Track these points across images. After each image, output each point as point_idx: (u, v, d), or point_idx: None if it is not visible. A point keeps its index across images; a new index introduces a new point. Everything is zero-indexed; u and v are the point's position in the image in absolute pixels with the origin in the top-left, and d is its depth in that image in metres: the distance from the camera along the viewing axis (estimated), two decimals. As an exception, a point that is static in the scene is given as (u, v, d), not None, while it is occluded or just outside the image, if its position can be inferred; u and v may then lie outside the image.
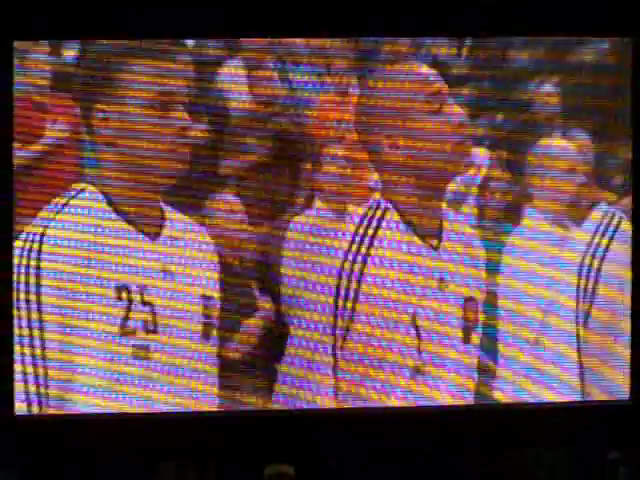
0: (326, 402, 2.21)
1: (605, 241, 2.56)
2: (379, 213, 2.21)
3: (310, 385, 2.20)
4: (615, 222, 2.55)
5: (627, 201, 2.60)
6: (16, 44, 2.61)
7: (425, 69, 2.22)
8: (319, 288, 2.21)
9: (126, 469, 2.71)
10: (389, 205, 2.21)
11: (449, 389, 2.27)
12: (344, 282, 2.17)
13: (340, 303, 2.17)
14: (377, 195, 2.25)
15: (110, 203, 2.17)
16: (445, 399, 2.26)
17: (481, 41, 2.83)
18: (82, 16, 2.62)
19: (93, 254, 2.13)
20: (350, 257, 2.17)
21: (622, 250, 2.56)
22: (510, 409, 2.67)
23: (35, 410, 2.27)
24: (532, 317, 2.56)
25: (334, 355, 2.18)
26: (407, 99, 2.16)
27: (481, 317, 2.33)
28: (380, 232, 2.20)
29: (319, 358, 2.18)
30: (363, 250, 2.18)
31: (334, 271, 2.18)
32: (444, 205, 2.27)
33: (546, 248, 2.64)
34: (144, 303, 2.16)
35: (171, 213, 2.21)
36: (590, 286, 2.57)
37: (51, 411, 2.24)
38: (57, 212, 2.18)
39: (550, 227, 2.72)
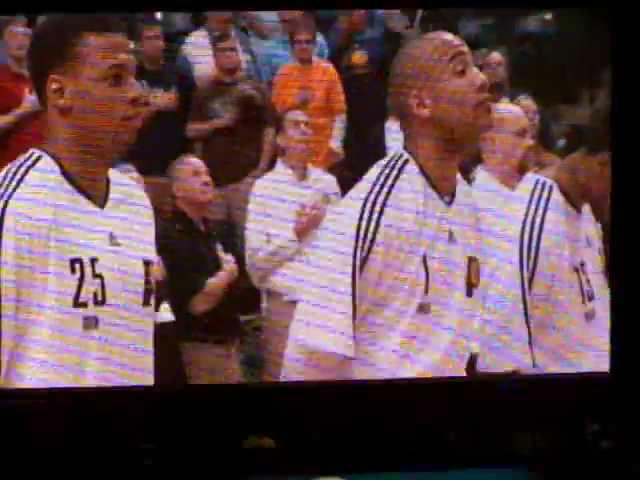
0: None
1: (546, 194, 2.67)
2: (401, 162, 2.32)
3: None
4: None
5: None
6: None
7: (449, 36, 2.34)
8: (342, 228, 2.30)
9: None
10: (409, 156, 2.32)
11: (450, 331, 2.35)
12: (364, 224, 2.27)
13: (359, 243, 2.27)
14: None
15: (63, 172, 2.19)
16: (444, 341, 2.34)
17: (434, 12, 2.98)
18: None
19: (51, 228, 2.13)
20: (370, 200, 2.28)
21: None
22: (488, 381, 2.67)
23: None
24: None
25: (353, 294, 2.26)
26: (433, 61, 2.28)
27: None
28: (399, 181, 2.31)
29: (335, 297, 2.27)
30: (383, 195, 2.29)
31: (355, 214, 2.28)
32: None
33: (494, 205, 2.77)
34: (95, 275, 2.18)
35: (117, 180, 2.24)
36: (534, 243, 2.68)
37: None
38: (16, 186, 2.18)
39: (497, 186, 2.85)
